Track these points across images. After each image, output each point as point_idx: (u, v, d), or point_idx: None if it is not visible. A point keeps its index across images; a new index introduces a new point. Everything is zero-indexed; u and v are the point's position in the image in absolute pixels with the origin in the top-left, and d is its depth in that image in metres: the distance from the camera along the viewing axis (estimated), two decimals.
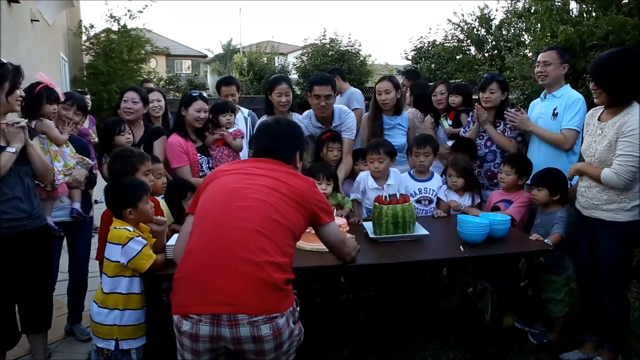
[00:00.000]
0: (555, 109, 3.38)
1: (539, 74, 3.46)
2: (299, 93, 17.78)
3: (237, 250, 1.75)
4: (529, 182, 3.39)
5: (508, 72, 7.46)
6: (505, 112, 3.52)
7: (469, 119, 3.85)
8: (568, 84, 3.48)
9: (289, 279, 1.81)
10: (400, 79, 4.67)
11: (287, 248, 1.86)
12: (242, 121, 4.27)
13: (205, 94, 3.77)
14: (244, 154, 3.79)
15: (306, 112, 3.77)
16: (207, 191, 1.98)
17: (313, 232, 2.19)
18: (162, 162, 3.18)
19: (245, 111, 4.42)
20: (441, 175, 3.61)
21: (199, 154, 3.49)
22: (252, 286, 1.70)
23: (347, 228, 2.73)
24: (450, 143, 4.00)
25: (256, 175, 1.96)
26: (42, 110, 2.98)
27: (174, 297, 1.80)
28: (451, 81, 7.59)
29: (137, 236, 2.28)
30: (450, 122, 4.09)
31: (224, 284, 1.70)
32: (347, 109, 3.76)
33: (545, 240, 2.77)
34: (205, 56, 32.71)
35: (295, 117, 3.87)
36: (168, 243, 2.42)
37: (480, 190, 3.53)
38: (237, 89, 4.23)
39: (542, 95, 3.59)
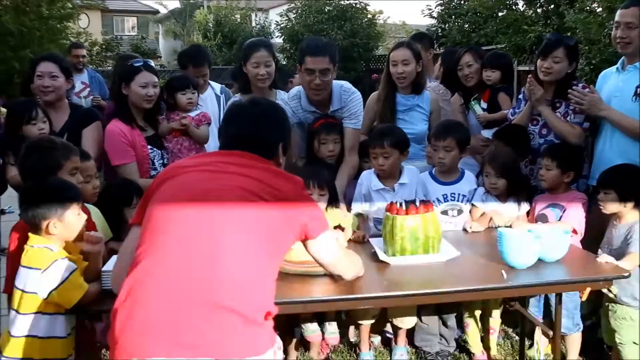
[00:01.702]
0: (638, 87, 3.38)
1: (618, 40, 3.45)
2: (284, 63, 17.80)
3: (202, 273, 1.77)
4: (591, 182, 3.41)
5: (569, 34, 7.49)
6: (570, 89, 3.52)
7: (520, 96, 3.86)
8: None
9: (269, 313, 1.83)
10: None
11: (269, 271, 1.89)
12: (212, 100, 4.28)
13: (152, 63, 3.77)
14: (212, 146, 3.80)
15: (295, 90, 3.78)
16: (161, 194, 2.00)
17: (302, 249, 2.21)
18: (96, 159, 3.17)
19: (217, 87, 4.43)
20: (477, 177, 3.62)
21: (149, 147, 3.50)
22: (220, 321, 1.72)
23: (345, 245, 2.74)
24: (486, 132, 4.02)
25: (227, 174, 1.98)
26: None
27: (113, 336, 1.80)
28: (487, 48, 7.60)
29: (64, 258, 2.28)
30: (484, 105, 4.11)
31: (184, 318, 1.72)
32: (351, 87, 3.77)
33: (618, 263, 2.79)
34: (157, 12, 32.69)
35: (280, 96, 3.88)
36: (104, 268, 2.42)
37: (530, 194, 3.55)
38: (209, 65, 4.25)
39: (618, 65, 3.59)
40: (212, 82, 4.41)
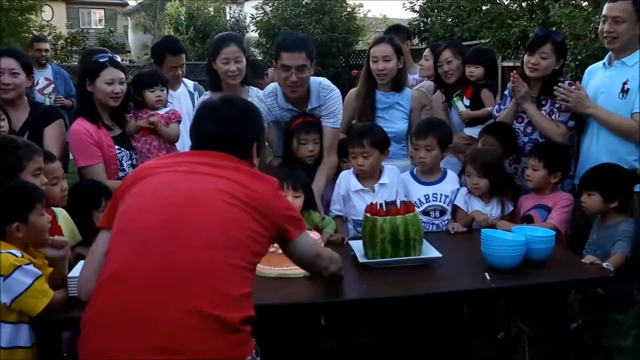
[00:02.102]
0: (625, 83, 3.42)
1: (606, 35, 3.48)
2: (260, 58, 17.77)
3: (180, 277, 1.80)
4: (576, 182, 3.46)
5: (554, 28, 7.59)
6: (555, 86, 3.53)
7: (506, 92, 3.90)
8: None
9: (248, 318, 1.86)
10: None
11: (247, 275, 1.92)
12: (185, 97, 4.28)
13: (119, 58, 3.75)
14: (183, 144, 3.80)
15: (271, 87, 3.77)
16: (132, 196, 2.01)
17: (278, 251, 2.23)
18: (59, 158, 3.15)
19: (190, 84, 4.44)
20: (459, 175, 3.66)
21: (116, 147, 3.49)
22: (199, 326, 1.74)
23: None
24: (468, 130, 4.06)
25: (199, 175, 2.00)
26: None
27: (83, 343, 1.81)
28: (471, 43, 7.67)
29: (27, 263, 2.26)
30: (466, 101, 4.14)
31: (161, 322, 1.74)
32: (330, 84, 3.77)
33: (604, 264, 2.82)
34: (125, 4, 32.47)
35: (253, 93, 3.88)
36: (71, 274, 2.41)
37: (515, 194, 3.59)
38: (186, 57, 4.27)
39: (605, 60, 3.64)
40: (184, 79, 4.41)
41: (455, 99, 4.16)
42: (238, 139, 2.14)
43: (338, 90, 3.77)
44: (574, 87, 3.54)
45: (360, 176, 3.40)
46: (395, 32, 4.80)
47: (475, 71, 4.11)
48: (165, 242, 1.86)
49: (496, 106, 3.95)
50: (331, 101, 3.68)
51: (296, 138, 3.57)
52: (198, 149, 2.15)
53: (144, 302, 1.77)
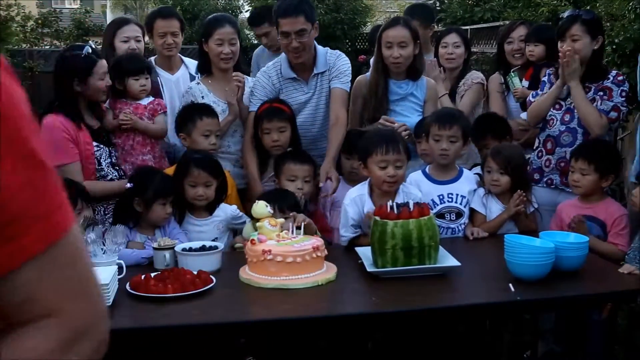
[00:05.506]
0: None
1: None
2: (255, 42, 17.73)
3: None
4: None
5: (588, 8, 7.57)
6: None
7: (545, 78, 3.92)
8: None
9: None
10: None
11: None
12: (185, 82, 4.30)
13: (92, 46, 3.74)
14: (172, 137, 3.88)
15: (276, 59, 4.00)
16: None
17: (276, 258, 2.21)
18: None
19: (192, 65, 4.39)
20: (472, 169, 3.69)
21: (95, 143, 3.50)
22: None
23: (325, 253, 2.78)
24: (525, 115, 4.05)
25: None
26: None
27: None
28: (493, 25, 7.66)
29: None
30: (525, 83, 4.19)
31: None
32: (336, 50, 4.04)
33: None
34: None
35: (247, 84, 3.99)
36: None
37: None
38: (181, 27, 4.29)
39: None
40: (186, 59, 4.44)
41: (512, 74, 4.23)
42: None
43: (345, 56, 4.03)
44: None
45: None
46: (416, 14, 4.82)
47: (535, 50, 4.21)
48: None
49: (532, 92, 3.99)
50: (340, 61, 3.95)
51: (260, 127, 3.69)
52: None
53: None
